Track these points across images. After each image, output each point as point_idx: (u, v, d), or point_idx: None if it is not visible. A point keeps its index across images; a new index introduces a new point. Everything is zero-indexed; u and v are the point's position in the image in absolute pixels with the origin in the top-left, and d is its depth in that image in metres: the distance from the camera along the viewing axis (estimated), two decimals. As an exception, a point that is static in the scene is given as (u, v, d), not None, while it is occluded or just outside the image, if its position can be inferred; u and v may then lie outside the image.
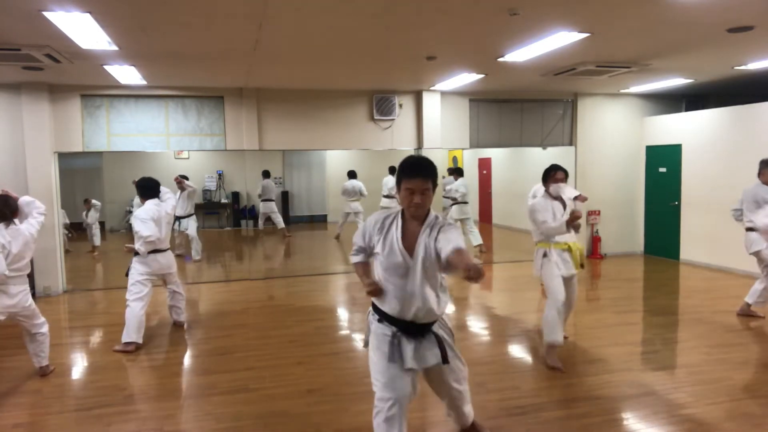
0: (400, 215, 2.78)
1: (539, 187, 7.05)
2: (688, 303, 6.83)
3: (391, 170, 12.88)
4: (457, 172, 10.63)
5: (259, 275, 8.93)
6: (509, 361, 4.90)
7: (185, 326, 5.90)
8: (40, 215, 4.52)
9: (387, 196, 12.65)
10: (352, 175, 12.53)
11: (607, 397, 4.07)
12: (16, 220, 4.36)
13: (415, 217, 2.74)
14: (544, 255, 4.72)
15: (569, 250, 4.69)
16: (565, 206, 4.70)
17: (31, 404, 4.13)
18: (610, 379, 4.38)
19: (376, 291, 2.78)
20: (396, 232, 2.73)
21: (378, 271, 2.83)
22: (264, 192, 12.54)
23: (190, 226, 9.72)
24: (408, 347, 2.79)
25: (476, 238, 10.31)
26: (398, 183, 2.72)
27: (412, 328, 2.80)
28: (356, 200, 12.33)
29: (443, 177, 10.12)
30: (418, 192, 2.64)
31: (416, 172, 2.66)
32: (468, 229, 10.25)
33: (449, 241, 2.58)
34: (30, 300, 4.40)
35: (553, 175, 4.74)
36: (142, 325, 5.24)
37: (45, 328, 4.59)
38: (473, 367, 4.38)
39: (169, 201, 5.65)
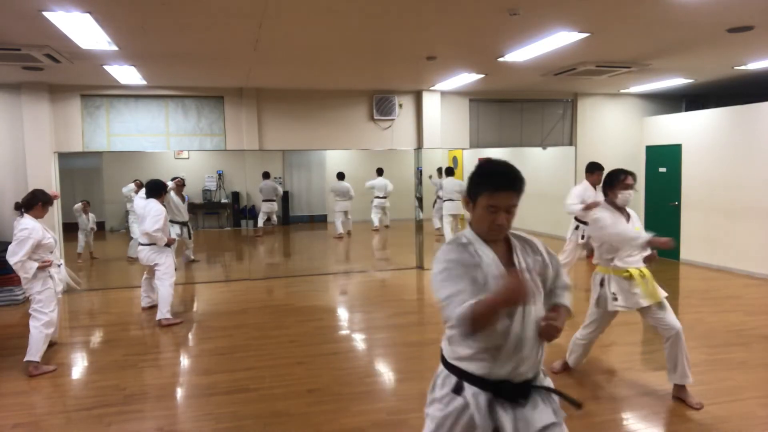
0: (480, 239, 2.04)
1: (583, 190, 6.88)
2: (688, 303, 6.83)
3: (379, 172, 13.21)
4: (447, 172, 10.96)
5: (259, 275, 8.93)
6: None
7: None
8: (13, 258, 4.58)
9: (379, 197, 13.29)
10: (341, 176, 12.94)
11: (607, 397, 4.07)
12: (27, 216, 4.67)
13: (493, 240, 2.06)
14: (601, 284, 4.05)
15: (632, 277, 3.90)
16: (628, 218, 3.99)
17: (31, 404, 4.13)
18: (610, 379, 4.39)
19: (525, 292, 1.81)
20: (493, 259, 2.01)
21: None
22: (263, 192, 12.76)
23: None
24: (507, 420, 1.98)
25: (449, 236, 10.74)
26: (474, 196, 2.02)
27: (514, 390, 2.01)
28: (348, 200, 12.79)
29: (429, 177, 10.61)
30: (503, 210, 1.97)
31: (507, 185, 1.97)
32: (456, 225, 10.79)
33: (563, 287, 2.15)
34: (29, 288, 4.69)
35: (623, 180, 3.94)
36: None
37: (32, 321, 4.65)
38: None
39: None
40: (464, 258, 2.00)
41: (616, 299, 3.94)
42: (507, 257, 2.06)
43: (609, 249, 3.98)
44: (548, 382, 2.11)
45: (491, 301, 1.80)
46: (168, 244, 6.19)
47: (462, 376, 2.03)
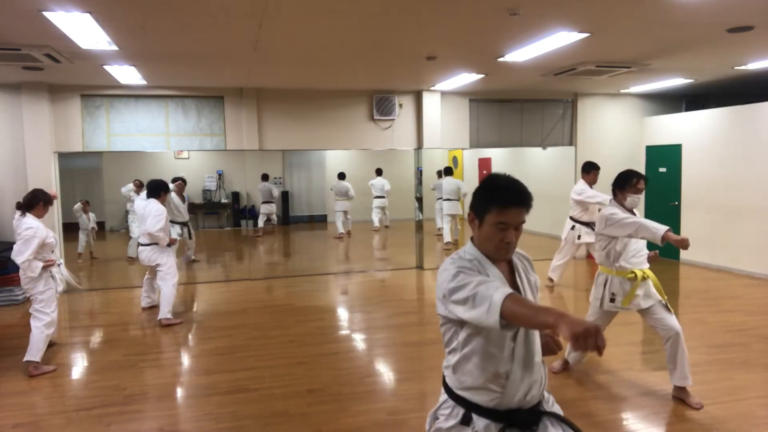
0: (485, 257, 1.96)
1: (586, 187, 6.94)
2: (688, 303, 6.83)
3: (378, 172, 13.29)
4: (446, 171, 11.00)
5: (259, 275, 8.93)
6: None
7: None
8: (20, 257, 4.57)
9: (378, 197, 13.39)
10: (342, 176, 13.03)
11: (607, 397, 4.07)
12: (29, 215, 4.66)
13: (501, 259, 1.98)
14: (604, 284, 4.03)
15: (636, 279, 3.88)
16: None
17: (31, 404, 4.13)
18: (610, 379, 4.38)
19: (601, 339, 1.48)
20: (499, 277, 1.93)
21: (471, 346, 1.91)
22: (262, 194, 12.82)
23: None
24: None
25: (448, 236, 10.71)
26: (481, 212, 1.92)
27: (523, 417, 1.94)
28: (348, 200, 12.93)
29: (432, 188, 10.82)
30: (512, 227, 1.89)
31: (517, 201, 1.89)
32: (455, 225, 10.86)
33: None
34: (31, 288, 4.70)
35: (635, 183, 3.91)
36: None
37: (34, 321, 4.65)
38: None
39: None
40: (474, 267, 1.92)
41: (613, 300, 3.94)
42: (510, 277, 1.99)
43: (615, 252, 3.93)
44: (552, 400, 2.07)
45: (549, 313, 1.57)
46: (170, 245, 6.21)
47: (470, 407, 1.94)
